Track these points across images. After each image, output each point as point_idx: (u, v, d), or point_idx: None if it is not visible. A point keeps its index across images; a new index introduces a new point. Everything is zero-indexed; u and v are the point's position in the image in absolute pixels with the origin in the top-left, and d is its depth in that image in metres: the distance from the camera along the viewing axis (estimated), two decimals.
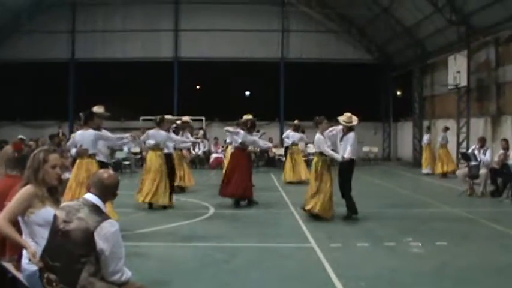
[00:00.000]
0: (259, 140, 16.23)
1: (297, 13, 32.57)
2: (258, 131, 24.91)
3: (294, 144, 21.14)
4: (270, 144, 18.78)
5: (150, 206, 13.84)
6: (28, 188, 4.92)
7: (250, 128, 15.17)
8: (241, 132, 15.08)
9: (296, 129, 21.72)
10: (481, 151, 17.04)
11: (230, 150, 17.95)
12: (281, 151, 25.14)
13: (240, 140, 14.94)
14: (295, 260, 8.87)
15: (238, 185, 14.52)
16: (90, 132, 11.24)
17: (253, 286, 7.49)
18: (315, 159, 12.92)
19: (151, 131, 14.56)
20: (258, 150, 28.14)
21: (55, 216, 4.57)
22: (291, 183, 20.08)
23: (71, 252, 4.35)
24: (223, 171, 16.48)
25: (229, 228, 11.76)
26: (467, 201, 15.81)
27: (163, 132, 14.42)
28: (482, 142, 17.40)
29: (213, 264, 8.54)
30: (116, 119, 26.71)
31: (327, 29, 32.91)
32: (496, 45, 21.86)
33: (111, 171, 4.89)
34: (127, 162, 24.53)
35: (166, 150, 15.04)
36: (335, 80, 32.41)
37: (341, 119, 12.55)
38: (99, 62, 31.88)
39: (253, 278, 7.80)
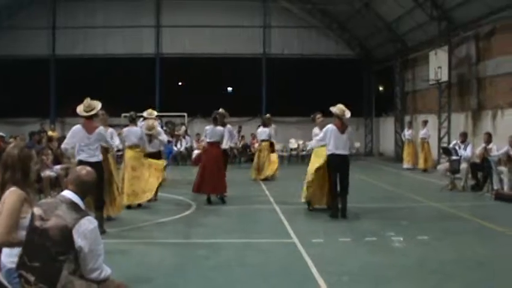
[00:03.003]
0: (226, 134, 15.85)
1: (278, 9, 32.52)
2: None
3: (263, 140, 20.77)
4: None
5: (129, 206, 13.62)
6: (15, 192, 4.75)
7: (215, 120, 14.99)
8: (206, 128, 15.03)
9: (266, 124, 21.21)
10: (462, 146, 17.20)
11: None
12: None
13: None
14: (277, 255, 8.88)
15: (222, 180, 14.64)
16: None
17: (236, 282, 7.46)
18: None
19: (125, 129, 14.40)
20: (240, 146, 28.18)
21: (32, 214, 4.49)
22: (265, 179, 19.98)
23: (49, 250, 4.28)
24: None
25: (211, 224, 11.74)
26: (449, 196, 15.94)
27: (136, 129, 14.31)
28: (463, 137, 17.62)
29: (195, 260, 8.52)
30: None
31: (309, 25, 32.89)
32: (476, 40, 21.95)
33: (89, 168, 4.83)
34: None
35: (154, 150, 14.95)
36: (317, 76, 32.35)
37: (334, 109, 12.55)
38: (80, 58, 31.61)
39: (236, 274, 7.78)
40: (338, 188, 12.28)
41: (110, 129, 12.95)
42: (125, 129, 14.31)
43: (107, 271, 4.52)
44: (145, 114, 16.01)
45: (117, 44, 31.89)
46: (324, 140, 12.44)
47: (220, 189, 14.62)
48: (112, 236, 9.91)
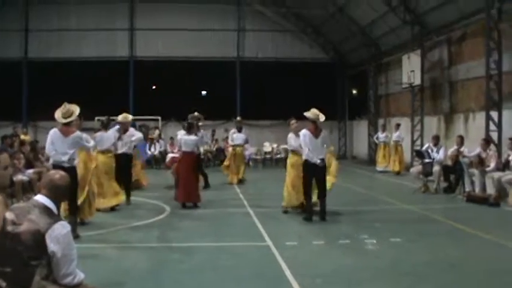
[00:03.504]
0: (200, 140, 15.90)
1: (252, 12, 32.54)
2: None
3: (237, 145, 20.75)
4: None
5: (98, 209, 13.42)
6: None
7: (188, 129, 15.08)
8: (178, 136, 15.06)
9: (241, 128, 21.14)
10: (435, 149, 17.41)
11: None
12: None
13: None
14: (250, 258, 8.88)
15: (196, 189, 14.67)
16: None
17: (208, 286, 7.45)
18: (291, 157, 13.51)
19: (97, 134, 14.18)
20: (215, 149, 28.15)
21: (4, 219, 4.45)
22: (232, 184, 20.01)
23: (21, 255, 4.23)
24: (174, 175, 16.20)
25: (185, 228, 11.71)
26: (421, 198, 16.08)
27: (108, 134, 14.21)
28: (436, 140, 17.85)
29: (168, 264, 8.50)
30: None
31: (283, 29, 32.96)
32: (449, 44, 22.20)
33: (62, 172, 4.79)
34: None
35: (124, 150, 14.84)
36: (291, 79, 32.44)
37: (308, 114, 12.59)
38: (53, 61, 31.29)
39: (209, 277, 7.77)
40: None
41: (84, 134, 12.82)
42: (97, 134, 14.16)
43: (80, 276, 4.48)
44: (120, 118, 15.90)
45: (91, 47, 31.61)
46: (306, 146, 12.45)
47: (196, 198, 14.63)
48: (85, 241, 9.84)
